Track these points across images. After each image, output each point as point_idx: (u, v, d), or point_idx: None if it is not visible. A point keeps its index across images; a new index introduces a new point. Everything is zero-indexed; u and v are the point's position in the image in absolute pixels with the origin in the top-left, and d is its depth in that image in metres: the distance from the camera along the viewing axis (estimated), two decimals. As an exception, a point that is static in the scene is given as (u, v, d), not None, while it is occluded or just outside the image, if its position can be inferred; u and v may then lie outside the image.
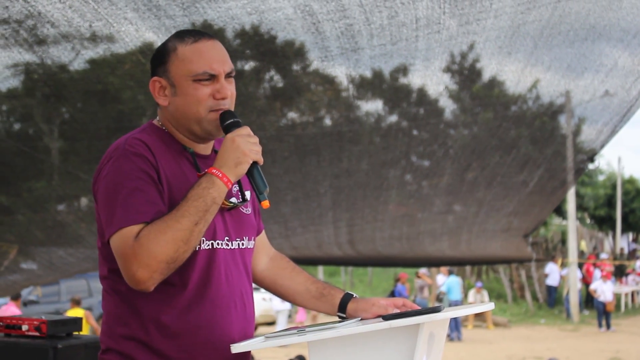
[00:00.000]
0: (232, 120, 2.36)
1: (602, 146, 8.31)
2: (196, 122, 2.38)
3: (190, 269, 2.31)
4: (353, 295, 2.61)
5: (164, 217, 2.22)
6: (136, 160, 2.28)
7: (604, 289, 22.25)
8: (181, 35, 2.42)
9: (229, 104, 2.40)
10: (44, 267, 8.35)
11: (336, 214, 8.89)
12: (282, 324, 19.88)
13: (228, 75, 2.40)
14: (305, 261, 14.35)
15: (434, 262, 16.84)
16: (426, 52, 5.70)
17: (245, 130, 2.33)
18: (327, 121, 6.94)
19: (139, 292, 2.27)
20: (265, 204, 2.34)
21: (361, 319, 2.46)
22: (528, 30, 5.69)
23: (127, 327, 2.33)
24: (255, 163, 2.33)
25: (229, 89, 2.40)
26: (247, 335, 2.44)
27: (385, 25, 5.01)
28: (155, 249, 2.17)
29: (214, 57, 2.38)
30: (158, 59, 2.41)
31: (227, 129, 2.35)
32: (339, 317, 2.59)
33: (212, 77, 2.36)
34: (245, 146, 2.30)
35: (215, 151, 2.50)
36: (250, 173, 2.34)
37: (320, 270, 33.11)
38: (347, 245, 10.29)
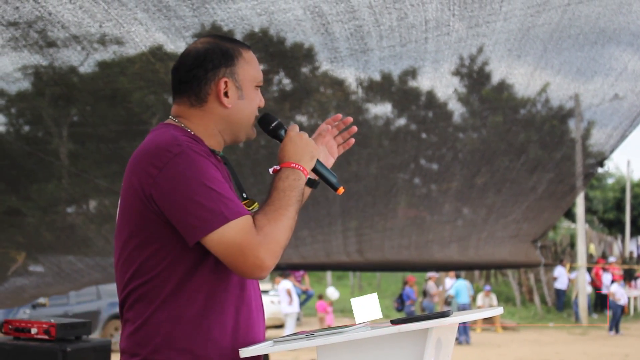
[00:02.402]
0: (278, 121, 2.49)
1: (612, 150, 8.27)
2: (247, 126, 2.44)
3: (231, 273, 2.28)
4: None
5: (269, 206, 2.26)
6: (206, 156, 2.27)
7: (622, 293, 22.20)
8: (235, 41, 2.45)
9: None
10: (53, 273, 8.32)
11: (345, 221, 8.86)
12: (290, 327, 19.86)
13: None
14: (312, 267, 14.33)
15: (442, 267, 16.82)
16: (435, 54, 5.69)
17: (297, 127, 2.44)
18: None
19: (182, 298, 2.24)
20: (341, 190, 2.48)
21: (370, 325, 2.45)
22: (538, 33, 5.67)
23: (167, 335, 2.25)
24: None
25: None
26: (264, 338, 2.44)
27: (394, 26, 5.00)
28: (279, 236, 2.21)
29: None
30: (219, 60, 2.37)
31: (275, 129, 2.47)
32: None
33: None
34: (313, 142, 2.42)
35: (217, 152, 2.46)
36: (316, 166, 2.46)
37: (329, 273, 33.12)
38: (355, 254, 10.27)
